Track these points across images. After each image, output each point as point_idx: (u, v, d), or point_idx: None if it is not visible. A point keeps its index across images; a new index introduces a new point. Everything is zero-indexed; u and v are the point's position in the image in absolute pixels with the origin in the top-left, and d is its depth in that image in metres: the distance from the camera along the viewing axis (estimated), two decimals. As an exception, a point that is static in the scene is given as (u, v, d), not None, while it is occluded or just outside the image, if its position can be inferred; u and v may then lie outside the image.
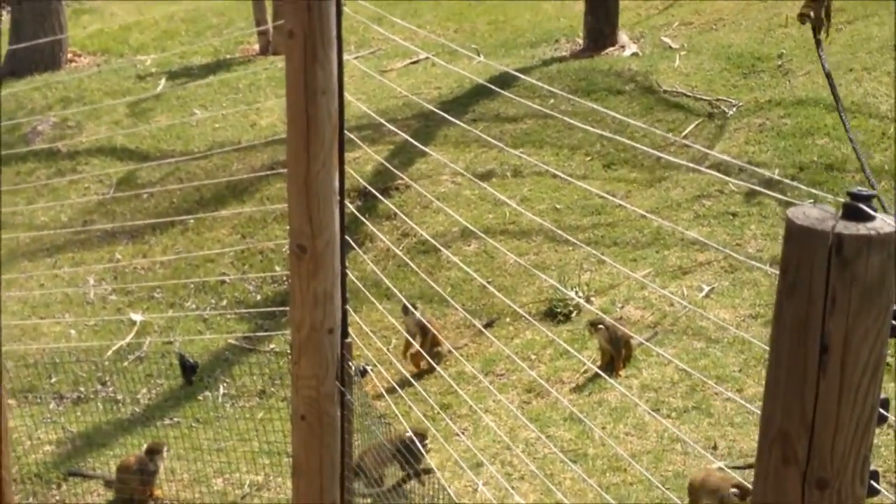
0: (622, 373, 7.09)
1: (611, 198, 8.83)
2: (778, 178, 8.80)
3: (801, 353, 1.84)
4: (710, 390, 6.70)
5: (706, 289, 7.85)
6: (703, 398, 6.72)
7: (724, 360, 7.05)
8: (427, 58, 12.27)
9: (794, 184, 8.33)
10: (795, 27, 11.58)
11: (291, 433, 4.16)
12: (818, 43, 6.87)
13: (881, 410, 1.87)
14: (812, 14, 6.84)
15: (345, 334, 4.04)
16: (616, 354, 7.08)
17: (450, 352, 7.87)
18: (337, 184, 3.87)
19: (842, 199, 1.88)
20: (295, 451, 4.17)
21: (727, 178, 8.86)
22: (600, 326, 7.07)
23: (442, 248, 8.75)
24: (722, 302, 7.69)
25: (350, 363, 4.05)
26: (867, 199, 1.83)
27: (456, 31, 13.96)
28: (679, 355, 7.15)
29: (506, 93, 10.33)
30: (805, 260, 1.81)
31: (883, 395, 1.87)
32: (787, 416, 1.87)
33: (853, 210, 1.82)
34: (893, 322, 1.84)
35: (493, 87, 10.16)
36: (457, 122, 10.00)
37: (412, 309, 7.61)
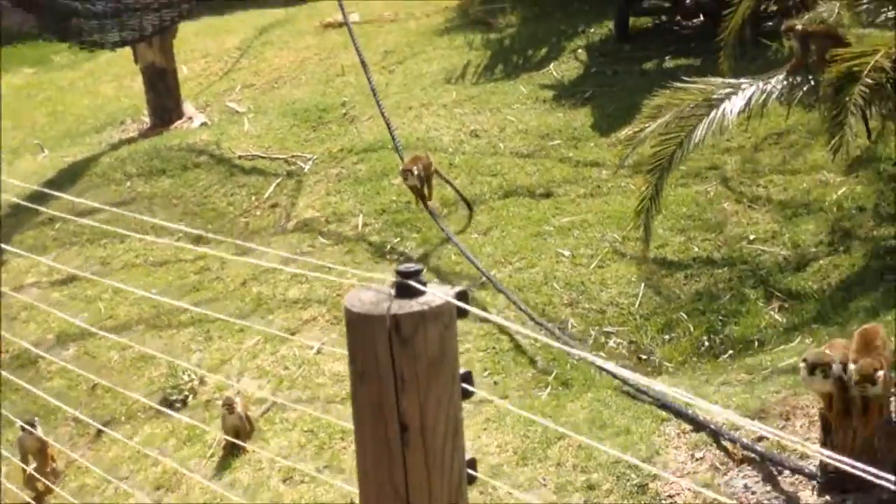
0: (249, 447, 7.01)
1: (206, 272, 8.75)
2: (365, 224, 9.06)
3: (383, 434, 1.88)
4: (338, 446, 6.77)
5: (316, 345, 7.93)
6: (333, 455, 6.77)
7: (346, 413, 7.13)
8: (-12, 161, 11.67)
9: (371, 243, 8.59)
10: (353, 74, 12.00)
11: None
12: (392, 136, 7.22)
13: (469, 471, 1.95)
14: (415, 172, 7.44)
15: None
16: (247, 430, 7.01)
17: (68, 465, 7.49)
18: None
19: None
20: None
21: (317, 232, 9.02)
22: (235, 406, 6.96)
23: (40, 357, 8.33)
24: (334, 355, 7.79)
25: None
26: (415, 275, 1.89)
27: (14, 129, 13.35)
28: (302, 417, 7.17)
29: (77, 188, 10.01)
30: (369, 345, 1.85)
31: (468, 457, 1.95)
32: (382, 495, 1.90)
33: (404, 287, 1.88)
34: (464, 385, 1.92)
35: (63, 181, 9.81)
36: (30, 226, 9.57)
37: (28, 427, 7.18)
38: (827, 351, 4.75)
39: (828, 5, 11.24)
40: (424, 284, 1.87)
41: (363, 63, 9.23)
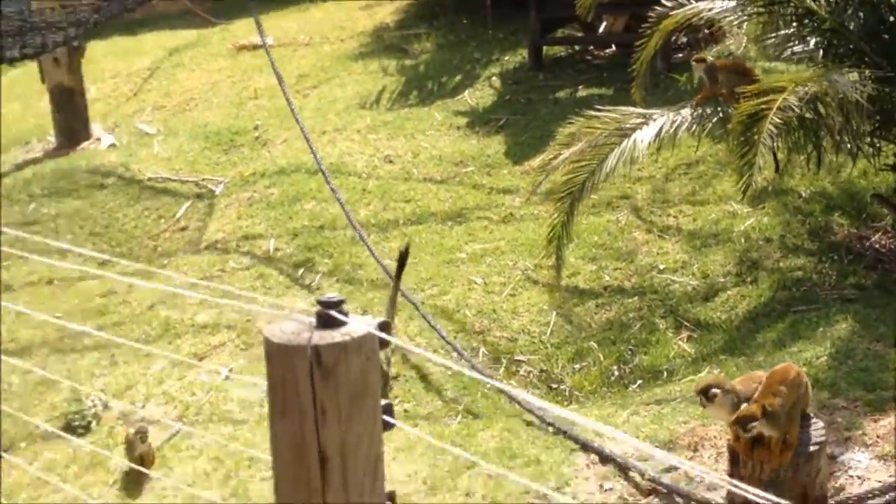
0: (154, 473, 6.87)
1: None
2: (276, 248, 8.98)
3: (303, 467, 1.84)
4: (245, 474, 6.66)
5: (224, 371, 7.82)
6: (240, 483, 6.67)
7: (253, 441, 7.03)
8: None
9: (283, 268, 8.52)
10: (266, 97, 11.92)
11: None
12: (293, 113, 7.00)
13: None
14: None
15: None
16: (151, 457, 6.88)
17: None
18: None
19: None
20: None
21: (227, 255, 8.92)
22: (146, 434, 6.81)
23: (-63, 383, 8.08)
24: (243, 381, 7.69)
25: None
26: (337, 305, 1.86)
27: (-85, 145, 13.02)
28: (209, 445, 7.05)
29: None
30: (290, 377, 1.81)
31: (388, 491, 1.91)
32: (301, 532, 1.86)
33: (325, 318, 1.85)
34: (385, 417, 1.89)
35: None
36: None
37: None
38: (738, 385, 4.77)
39: (736, 39, 11.48)
40: (346, 315, 1.84)
41: (281, 83, 9.14)
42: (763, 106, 6.49)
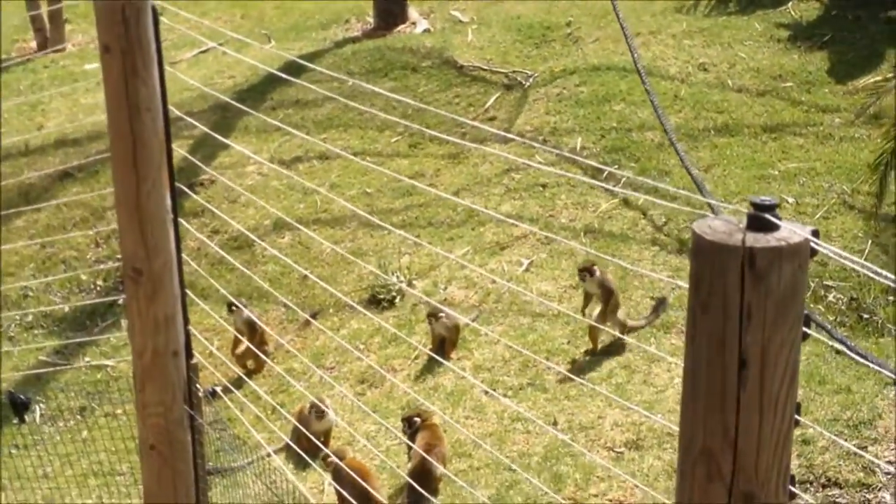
0: (453, 355, 7.09)
1: (418, 184, 8.81)
2: (583, 147, 8.97)
3: (720, 369, 1.83)
4: (542, 365, 6.77)
5: (525, 263, 7.92)
6: (537, 373, 6.79)
7: (551, 334, 7.13)
8: (216, 46, 11.95)
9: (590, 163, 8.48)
10: (580, -6, 11.80)
11: (141, 464, 3.97)
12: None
13: (796, 416, 1.89)
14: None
15: (189, 356, 3.88)
16: (453, 339, 7.07)
17: (277, 348, 7.72)
18: (169, 202, 3.70)
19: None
20: (146, 482, 3.98)
21: (535, 146, 8.98)
22: (441, 316, 7.02)
23: (257, 242, 8.56)
24: (542, 275, 7.78)
25: (198, 386, 3.90)
26: (771, 209, 1.82)
27: (243, 18, 13.65)
28: (507, 332, 7.20)
29: (301, 81, 10.16)
30: (718, 275, 1.80)
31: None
32: (709, 433, 1.86)
33: (759, 221, 1.82)
34: (804, 329, 1.85)
35: (286, 76, 9.97)
36: (255, 112, 9.78)
37: (240, 306, 7.40)
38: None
39: None
40: (779, 219, 1.81)
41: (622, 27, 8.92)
42: None
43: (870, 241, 7.54)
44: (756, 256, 1.77)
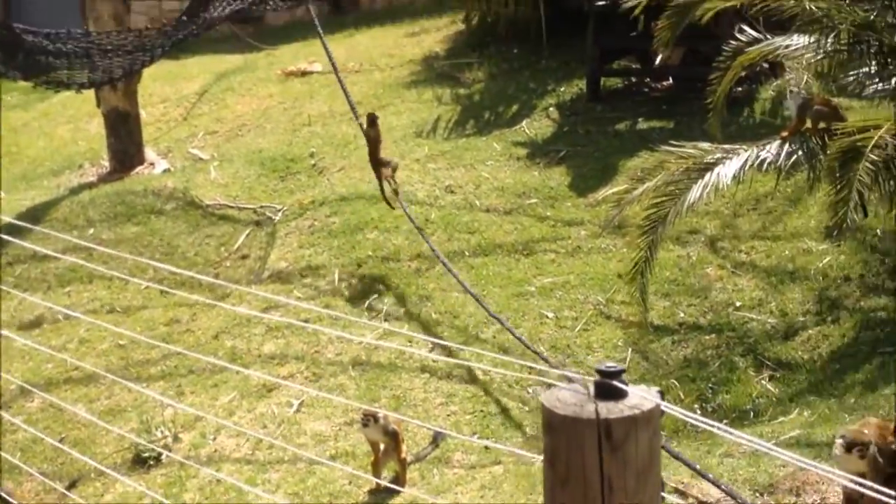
0: (231, 510, 6.77)
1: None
2: (341, 279, 8.90)
3: (585, 546, 1.74)
4: (326, 511, 6.56)
5: (295, 403, 7.72)
6: (321, 520, 6.56)
7: (331, 476, 6.93)
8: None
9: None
10: (319, 124, 11.86)
11: None
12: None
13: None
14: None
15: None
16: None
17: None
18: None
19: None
20: None
21: (291, 285, 8.84)
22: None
23: (2, 410, 8.00)
24: (314, 414, 7.59)
25: None
26: (617, 375, 1.76)
27: (-34, 168, 12.99)
28: (285, 479, 6.95)
29: (38, 228, 9.71)
30: (575, 450, 1.72)
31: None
32: None
33: (607, 388, 1.75)
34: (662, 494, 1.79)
35: (23, 224, 9.51)
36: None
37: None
38: (864, 430, 4.68)
39: (797, 74, 11.38)
40: (626, 384, 1.75)
41: (352, 107, 9.09)
42: (859, 142, 6.38)
43: (630, 349, 7.75)
44: (612, 427, 1.71)
